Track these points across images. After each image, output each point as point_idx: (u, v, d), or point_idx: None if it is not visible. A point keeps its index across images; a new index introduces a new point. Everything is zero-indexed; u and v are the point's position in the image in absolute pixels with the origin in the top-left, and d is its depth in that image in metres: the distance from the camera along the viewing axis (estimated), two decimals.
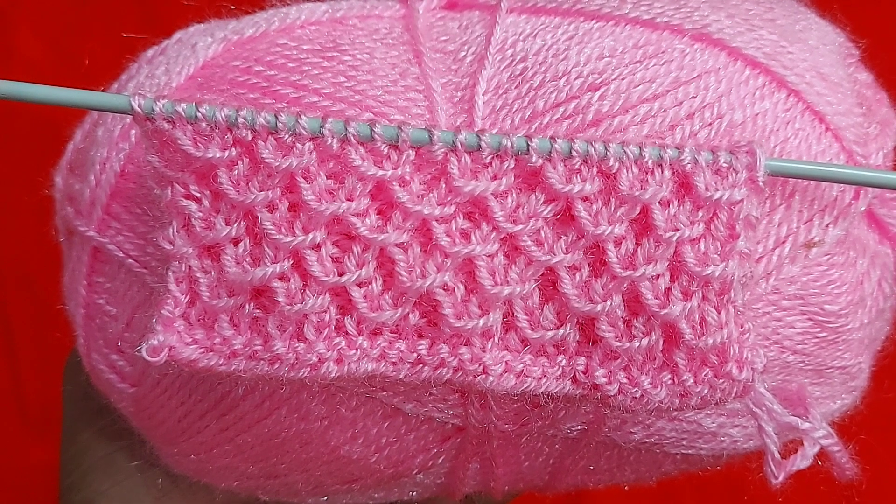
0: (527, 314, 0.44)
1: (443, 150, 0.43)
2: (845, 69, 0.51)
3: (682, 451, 0.52)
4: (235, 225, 0.43)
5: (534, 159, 0.43)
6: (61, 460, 0.60)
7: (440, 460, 0.51)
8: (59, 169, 0.53)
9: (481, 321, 0.44)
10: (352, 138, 0.42)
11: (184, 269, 0.44)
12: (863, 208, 0.48)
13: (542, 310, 0.44)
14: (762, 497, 0.49)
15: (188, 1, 0.54)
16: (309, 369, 0.43)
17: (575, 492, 0.57)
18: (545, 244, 0.44)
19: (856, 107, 0.49)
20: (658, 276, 0.43)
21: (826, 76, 0.49)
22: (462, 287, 0.44)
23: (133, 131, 0.48)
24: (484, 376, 0.44)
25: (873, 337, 0.52)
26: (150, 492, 0.57)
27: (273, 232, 0.43)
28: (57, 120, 0.54)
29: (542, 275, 0.44)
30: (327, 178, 0.43)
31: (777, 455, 0.46)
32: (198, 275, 0.44)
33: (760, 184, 0.43)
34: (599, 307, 0.43)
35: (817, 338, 0.49)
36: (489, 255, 0.44)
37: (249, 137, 0.42)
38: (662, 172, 0.43)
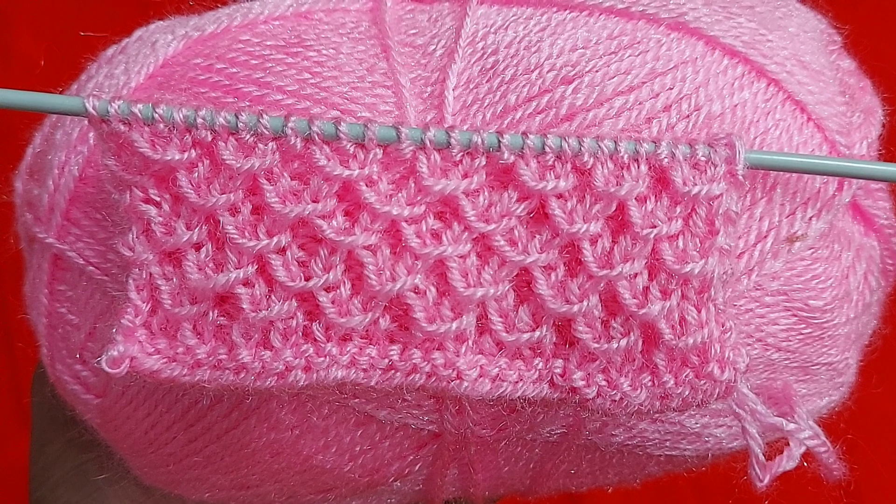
0: (501, 316, 0.43)
1: (411, 148, 0.41)
2: (827, 57, 0.49)
3: (666, 453, 0.50)
4: (197, 230, 0.42)
5: (506, 156, 0.41)
6: (30, 472, 0.58)
7: (417, 467, 0.50)
8: (18, 174, 0.51)
9: (454, 325, 0.42)
10: (316, 137, 0.41)
11: (144, 276, 0.42)
12: (847, 200, 0.47)
13: (518, 312, 0.43)
14: (758, 497, 0.47)
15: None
16: (276, 378, 0.42)
17: (565, 494, 0.55)
18: (519, 244, 0.42)
19: (838, 95, 0.48)
20: (636, 275, 0.42)
21: (807, 64, 0.47)
22: (434, 290, 0.42)
23: (92, 134, 0.47)
24: (458, 382, 0.43)
25: (860, 332, 0.51)
26: None
27: (236, 236, 0.41)
28: None
29: (516, 275, 0.42)
30: (291, 179, 0.41)
31: (761, 457, 0.44)
32: (159, 282, 0.42)
33: (740, 177, 0.42)
34: (576, 308, 0.42)
35: (802, 334, 0.48)
36: (461, 256, 0.42)
37: (209, 138, 0.41)
38: (639, 167, 0.42)
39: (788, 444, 0.46)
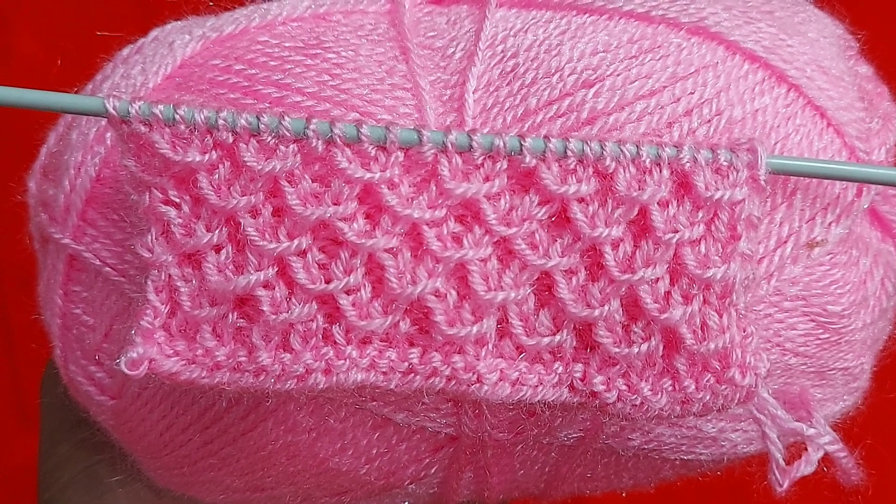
0: (522, 320, 0.43)
1: (433, 150, 0.41)
2: (846, 62, 0.49)
3: (682, 457, 0.50)
4: (217, 231, 0.42)
5: (527, 159, 0.41)
6: (39, 474, 0.58)
7: (433, 470, 0.50)
8: (32, 174, 0.51)
9: (475, 328, 0.42)
10: (338, 139, 0.41)
11: (163, 277, 0.42)
12: (865, 206, 0.47)
13: (538, 315, 0.43)
14: (765, 501, 0.47)
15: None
16: (296, 381, 0.42)
17: (574, 497, 0.56)
18: (540, 247, 0.42)
19: (857, 101, 0.48)
20: (657, 280, 0.42)
21: (827, 70, 0.47)
22: (454, 293, 0.42)
23: (109, 134, 0.47)
24: (478, 385, 0.42)
25: (876, 337, 0.51)
26: None
27: (256, 238, 0.41)
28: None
29: (537, 279, 0.42)
30: (312, 182, 0.41)
31: (782, 462, 0.45)
32: (178, 284, 0.42)
33: (762, 182, 0.42)
34: (597, 312, 0.42)
35: (820, 339, 0.48)
36: (482, 260, 0.42)
37: (230, 140, 0.41)
38: (661, 172, 0.42)
39: (805, 450, 0.46)
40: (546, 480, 0.52)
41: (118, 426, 0.50)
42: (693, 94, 0.45)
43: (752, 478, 0.50)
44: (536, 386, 0.43)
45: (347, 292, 0.42)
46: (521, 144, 0.41)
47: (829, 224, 0.46)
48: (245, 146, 0.41)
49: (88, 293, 0.48)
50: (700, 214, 0.42)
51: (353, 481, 0.49)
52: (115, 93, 0.41)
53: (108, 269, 0.47)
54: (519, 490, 0.53)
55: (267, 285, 0.42)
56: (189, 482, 0.51)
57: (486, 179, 0.42)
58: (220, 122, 0.41)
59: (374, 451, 0.48)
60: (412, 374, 0.43)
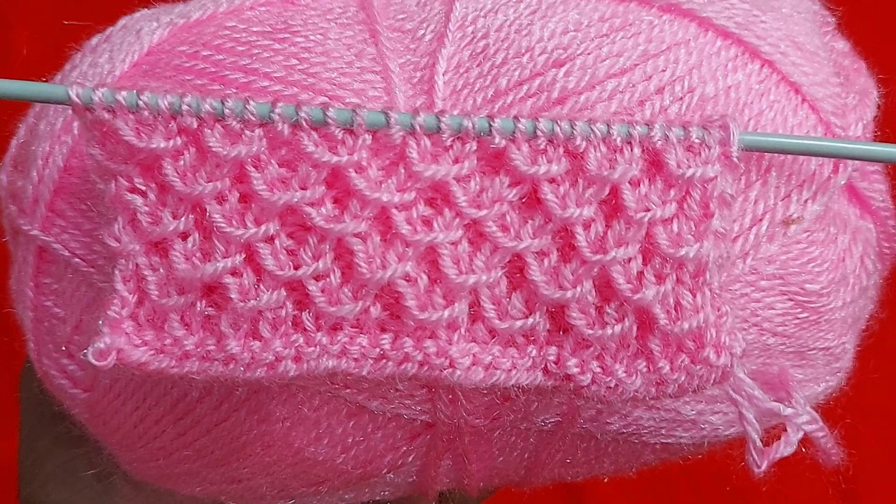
0: (494, 303, 0.42)
1: (401, 133, 0.40)
2: (821, 38, 0.49)
3: (662, 440, 0.50)
4: (183, 219, 0.41)
5: (497, 140, 0.41)
6: (19, 469, 0.57)
7: (410, 458, 0.49)
8: (3, 166, 0.51)
9: (446, 312, 0.41)
10: (304, 123, 0.40)
11: (131, 266, 0.42)
12: (843, 182, 0.46)
13: (510, 298, 0.42)
14: (754, 484, 0.47)
15: None
16: (266, 369, 0.41)
17: (568, 484, 0.55)
18: (511, 229, 0.41)
19: (833, 76, 0.47)
20: (630, 260, 0.41)
21: (801, 45, 0.47)
22: (425, 277, 0.42)
23: (76, 123, 0.46)
24: (451, 370, 0.42)
25: (857, 316, 0.51)
26: (112, 499, 0.54)
27: (223, 225, 0.41)
28: None
29: (508, 262, 0.42)
30: (279, 167, 0.41)
31: (759, 443, 0.44)
32: (145, 272, 0.41)
33: (735, 159, 0.41)
34: (569, 294, 0.41)
35: (798, 319, 0.47)
36: (453, 243, 0.41)
37: (195, 125, 0.40)
38: (632, 150, 0.41)
39: (786, 430, 0.46)
40: (526, 467, 0.52)
41: (92, 419, 0.50)
42: (665, 71, 0.44)
43: (734, 460, 0.49)
44: (510, 370, 0.42)
45: (316, 278, 0.41)
46: (490, 125, 0.41)
47: (806, 201, 0.46)
48: (210, 131, 0.40)
49: (59, 285, 0.47)
50: (672, 193, 0.41)
51: (329, 471, 0.49)
52: (78, 80, 0.41)
53: (77, 259, 0.46)
54: (499, 477, 0.53)
55: (235, 272, 0.41)
56: (165, 475, 0.50)
57: (456, 161, 0.41)
58: (184, 107, 0.40)
59: (350, 440, 0.48)
60: (384, 360, 0.42)
